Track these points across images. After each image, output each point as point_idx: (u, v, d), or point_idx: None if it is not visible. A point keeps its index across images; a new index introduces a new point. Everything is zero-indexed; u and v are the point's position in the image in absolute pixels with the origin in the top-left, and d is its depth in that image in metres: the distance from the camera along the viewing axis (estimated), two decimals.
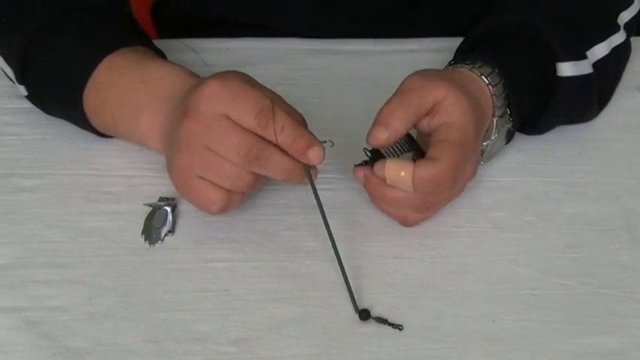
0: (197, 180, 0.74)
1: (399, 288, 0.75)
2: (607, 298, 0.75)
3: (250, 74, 0.76)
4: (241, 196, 0.76)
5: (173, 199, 0.80)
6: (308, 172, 0.74)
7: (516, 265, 0.77)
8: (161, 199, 0.80)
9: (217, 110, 0.72)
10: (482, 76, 0.80)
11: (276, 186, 0.82)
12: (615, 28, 0.89)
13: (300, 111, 0.76)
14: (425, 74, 0.77)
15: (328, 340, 0.71)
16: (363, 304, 0.73)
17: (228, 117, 0.71)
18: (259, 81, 0.75)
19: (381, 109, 0.75)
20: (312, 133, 0.74)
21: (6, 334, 0.71)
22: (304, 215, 0.80)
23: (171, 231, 0.79)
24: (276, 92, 0.75)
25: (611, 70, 0.89)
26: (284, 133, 0.71)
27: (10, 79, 0.87)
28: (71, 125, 0.86)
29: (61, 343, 0.70)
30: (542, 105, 0.85)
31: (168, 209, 0.79)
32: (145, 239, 0.78)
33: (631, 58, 0.96)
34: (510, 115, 0.82)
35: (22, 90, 0.85)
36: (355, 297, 0.73)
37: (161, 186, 0.82)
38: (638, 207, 0.83)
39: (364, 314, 0.72)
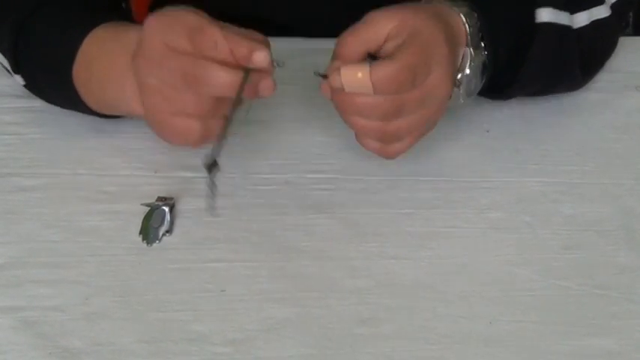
0: (168, 117, 0.73)
1: (396, 288, 0.75)
2: (604, 299, 0.75)
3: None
4: (219, 122, 0.73)
5: (171, 198, 0.80)
6: (245, 74, 0.71)
7: (514, 265, 0.77)
8: (159, 199, 0.80)
9: (155, 41, 0.71)
10: (454, 7, 0.79)
11: (274, 186, 0.82)
12: (599, 2, 0.89)
13: (301, 110, 0.76)
14: (386, 8, 0.76)
15: (325, 340, 0.71)
16: (360, 304, 0.74)
17: (166, 45, 0.71)
18: None
19: (337, 41, 0.75)
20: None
21: (3, 333, 0.71)
22: (302, 215, 0.80)
23: (169, 231, 0.79)
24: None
25: (589, 42, 0.88)
26: (219, 46, 0.70)
27: (8, 71, 0.87)
28: (70, 125, 0.86)
29: (57, 342, 0.70)
30: (520, 54, 0.83)
31: (166, 209, 0.79)
32: (143, 239, 0.78)
33: (630, 58, 0.96)
34: (485, 48, 0.80)
35: (19, 79, 0.85)
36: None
37: (159, 186, 0.82)
38: (636, 208, 0.83)
39: (211, 167, 0.71)
